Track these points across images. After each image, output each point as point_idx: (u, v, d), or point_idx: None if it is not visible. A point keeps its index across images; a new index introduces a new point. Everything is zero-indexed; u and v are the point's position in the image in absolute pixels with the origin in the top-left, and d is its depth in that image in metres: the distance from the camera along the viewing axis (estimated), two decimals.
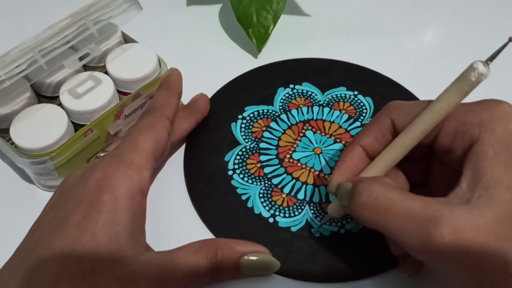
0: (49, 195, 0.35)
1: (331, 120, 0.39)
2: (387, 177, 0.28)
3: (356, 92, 0.41)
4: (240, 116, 0.40)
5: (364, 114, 0.40)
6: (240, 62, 0.44)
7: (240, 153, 0.37)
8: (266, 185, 0.35)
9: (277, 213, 0.34)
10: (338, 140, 0.38)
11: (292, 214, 0.34)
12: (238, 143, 0.38)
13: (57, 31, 0.32)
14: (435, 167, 0.30)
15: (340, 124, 0.39)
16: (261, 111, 0.40)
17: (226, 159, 0.37)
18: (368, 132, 0.29)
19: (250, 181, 0.36)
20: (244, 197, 0.35)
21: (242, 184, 0.36)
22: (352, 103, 0.41)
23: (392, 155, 0.28)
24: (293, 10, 0.49)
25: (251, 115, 0.40)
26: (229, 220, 0.34)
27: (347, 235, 0.33)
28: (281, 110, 0.40)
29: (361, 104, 0.40)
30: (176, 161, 0.37)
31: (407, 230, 0.24)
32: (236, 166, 0.36)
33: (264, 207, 0.34)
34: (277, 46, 0.46)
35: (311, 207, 0.34)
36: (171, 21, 0.48)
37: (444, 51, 0.46)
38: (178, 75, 0.37)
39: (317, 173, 0.36)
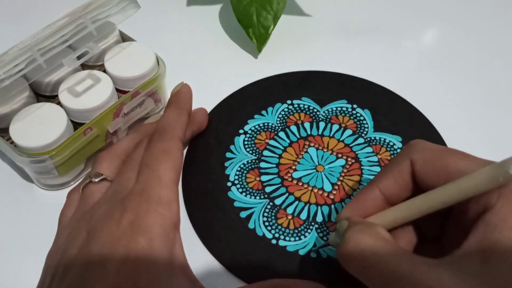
0: (49, 194, 0.35)
1: (330, 135, 0.38)
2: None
3: (355, 106, 0.40)
4: (241, 131, 0.39)
5: (365, 130, 0.39)
6: (240, 62, 0.44)
7: (241, 165, 0.36)
8: (270, 205, 0.34)
9: (281, 236, 0.33)
10: (340, 156, 0.37)
11: (297, 237, 0.33)
12: (240, 156, 0.37)
13: (55, 30, 0.32)
14: (449, 224, 0.28)
15: (338, 139, 0.38)
16: (262, 125, 0.39)
17: (227, 172, 0.36)
18: (387, 175, 0.27)
19: (248, 196, 0.35)
20: (243, 214, 0.34)
21: (240, 197, 0.35)
22: (352, 117, 0.39)
23: (404, 215, 0.26)
24: (294, 10, 0.49)
25: (253, 128, 0.39)
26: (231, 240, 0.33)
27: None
28: (280, 127, 0.39)
29: (361, 118, 0.39)
30: None
31: None
32: (236, 180, 0.36)
33: (266, 227, 0.33)
34: (278, 46, 0.46)
35: (317, 229, 0.33)
36: (170, 21, 0.48)
37: (445, 52, 0.46)
38: (189, 91, 0.36)
39: (319, 192, 0.35)
